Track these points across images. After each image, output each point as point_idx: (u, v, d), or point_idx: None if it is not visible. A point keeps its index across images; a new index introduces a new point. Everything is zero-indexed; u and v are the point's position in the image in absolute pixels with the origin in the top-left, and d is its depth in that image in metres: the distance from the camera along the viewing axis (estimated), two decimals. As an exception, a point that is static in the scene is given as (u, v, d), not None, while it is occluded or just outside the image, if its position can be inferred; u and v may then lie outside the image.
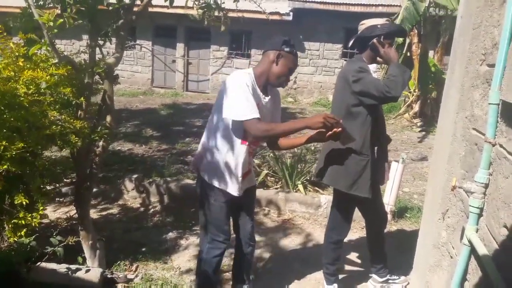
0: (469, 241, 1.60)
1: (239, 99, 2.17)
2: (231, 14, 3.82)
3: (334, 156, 2.66)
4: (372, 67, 2.70)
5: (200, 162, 2.43)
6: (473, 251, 1.60)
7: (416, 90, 9.78)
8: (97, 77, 2.78)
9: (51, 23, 1.96)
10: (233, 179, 2.35)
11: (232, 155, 2.33)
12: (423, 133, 8.86)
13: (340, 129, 2.18)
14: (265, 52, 2.36)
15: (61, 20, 2.05)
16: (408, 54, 9.45)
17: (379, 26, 2.59)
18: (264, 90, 2.38)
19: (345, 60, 12.44)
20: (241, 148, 2.33)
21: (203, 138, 2.44)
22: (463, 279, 1.71)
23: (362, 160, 2.61)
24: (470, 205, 1.61)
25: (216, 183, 2.35)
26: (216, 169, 2.35)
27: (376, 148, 2.74)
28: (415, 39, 9.51)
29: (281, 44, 2.30)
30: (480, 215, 1.60)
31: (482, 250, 1.48)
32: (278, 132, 2.31)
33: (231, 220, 2.60)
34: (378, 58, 2.66)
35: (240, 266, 2.75)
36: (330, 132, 2.19)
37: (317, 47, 12.89)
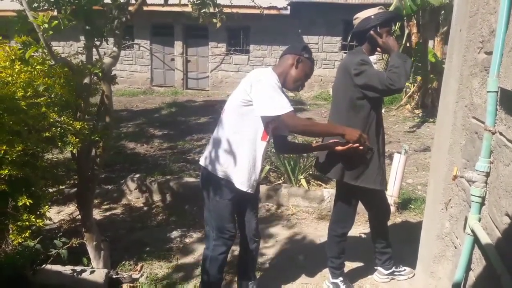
0: (472, 231, 1.59)
1: (275, 95, 2.21)
2: (227, 10, 3.80)
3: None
4: (372, 58, 2.67)
5: (212, 159, 2.40)
6: (476, 240, 1.59)
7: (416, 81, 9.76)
8: (95, 78, 2.78)
9: (46, 25, 1.95)
10: (251, 176, 2.37)
11: (252, 152, 2.34)
12: (424, 123, 8.82)
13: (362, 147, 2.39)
14: (284, 55, 2.42)
15: (56, 21, 2.04)
16: (408, 44, 9.40)
17: (373, 16, 2.56)
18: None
19: (344, 53, 12.39)
20: (260, 145, 2.36)
21: (216, 135, 2.42)
22: (468, 268, 1.71)
23: (367, 154, 2.59)
24: (472, 194, 1.61)
25: (232, 179, 2.35)
26: (232, 166, 2.34)
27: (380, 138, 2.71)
28: (414, 29, 9.45)
29: (301, 49, 2.38)
30: (482, 204, 1.60)
31: (485, 239, 1.48)
32: (316, 130, 2.45)
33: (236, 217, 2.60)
34: (378, 49, 2.64)
35: (245, 262, 2.75)
36: (357, 145, 2.37)
37: (316, 41, 12.82)
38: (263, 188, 4.44)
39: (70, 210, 4.21)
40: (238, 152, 2.33)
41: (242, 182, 2.36)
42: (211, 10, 3.40)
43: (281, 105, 2.19)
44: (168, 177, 4.78)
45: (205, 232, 2.59)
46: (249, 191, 2.40)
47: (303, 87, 2.50)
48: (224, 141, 2.36)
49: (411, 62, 2.57)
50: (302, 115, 9.64)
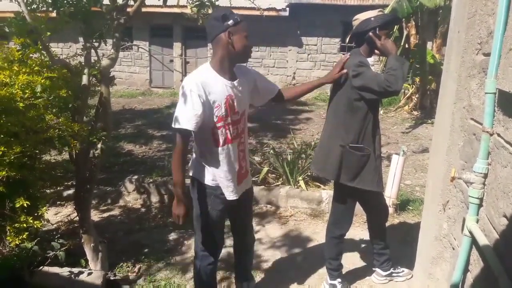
0: (470, 232, 1.59)
1: (182, 107, 2.11)
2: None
3: (335, 152, 2.63)
4: (370, 60, 2.68)
5: (195, 167, 2.38)
6: (474, 241, 1.59)
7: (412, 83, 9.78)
8: (93, 79, 2.77)
9: (44, 26, 1.95)
10: (227, 183, 2.30)
11: (213, 161, 2.27)
12: (422, 124, 8.82)
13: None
14: (214, 39, 2.19)
15: (54, 24, 2.04)
16: (407, 46, 9.42)
17: (372, 18, 2.57)
18: (232, 75, 2.26)
19: (343, 54, 12.39)
20: (218, 151, 2.26)
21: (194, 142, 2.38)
22: (465, 270, 1.71)
23: (363, 156, 2.59)
24: (469, 196, 1.61)
25: (212, 186, 2.30)
26: (210, 174, 2.30)
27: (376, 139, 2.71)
28: (413, 31, 9.47)
29: (223, 22, 2.14)
30: (480, 205, 1.60)
31: (482, 240, 1.48)
32: (173, 164, 2.26)
33: (225, 225, 2.57)
34: (375, 51, 2.65)
35: (241, 263, 2.75)
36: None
37: (315, 42, 12.85)
38: (261, 189, 4.44)
39: (68, 211, 4.20)
40: (204, 161, 2.30)
41: (221, 189, 2.31)
42: (210, 11, 3.40)
43: (179, 119, 2.10)
44: (166, 178, 4.77)
45: (195, 240, 2.54)
46: (229, 198, 2.32)
47: (252, 48, 2.31)
48: (196, 149, 2.36)
49: (409, 64, 2.57)
50: (304, 115, 9.68)
